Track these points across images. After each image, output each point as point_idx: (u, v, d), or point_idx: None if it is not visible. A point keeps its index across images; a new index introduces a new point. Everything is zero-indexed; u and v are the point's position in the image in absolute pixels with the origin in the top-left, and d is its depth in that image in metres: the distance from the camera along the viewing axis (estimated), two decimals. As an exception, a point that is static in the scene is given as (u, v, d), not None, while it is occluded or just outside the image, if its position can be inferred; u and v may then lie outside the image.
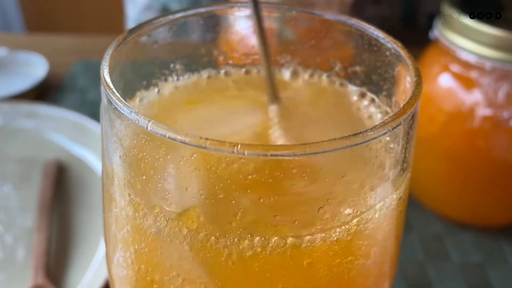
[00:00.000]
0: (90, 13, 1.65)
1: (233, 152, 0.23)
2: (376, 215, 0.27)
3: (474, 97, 0.52)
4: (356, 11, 0.67)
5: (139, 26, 0.32)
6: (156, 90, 0.35)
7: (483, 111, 0.51)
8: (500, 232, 0.57)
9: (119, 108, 0.25)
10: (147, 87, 0.34)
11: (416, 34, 0.70)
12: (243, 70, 0.37)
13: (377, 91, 0.34)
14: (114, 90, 0.26)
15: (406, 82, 0.29)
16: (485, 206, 0.56)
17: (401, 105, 0.26)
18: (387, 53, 0.31)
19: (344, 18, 0.33)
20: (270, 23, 0.35)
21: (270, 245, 0.25)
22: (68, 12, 1.68)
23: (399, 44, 0.31)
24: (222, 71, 0.37)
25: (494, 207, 0.56)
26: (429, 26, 0.57)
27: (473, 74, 0.52)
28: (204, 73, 0.36)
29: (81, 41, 0.96)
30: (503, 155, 0.52)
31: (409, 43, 0.31)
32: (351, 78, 0.35)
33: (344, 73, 0.35)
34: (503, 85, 0.51)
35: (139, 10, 0.89)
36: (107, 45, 0.29)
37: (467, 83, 0.52)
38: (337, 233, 0.26)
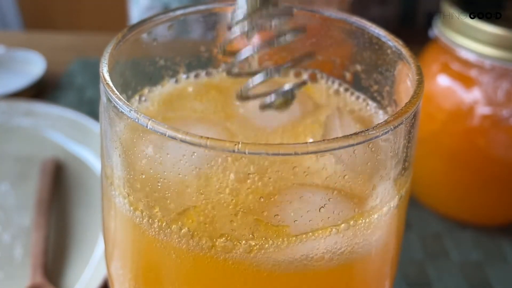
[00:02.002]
0: (88, 11, 1.65)
1: (234, 151, 0.22)
2: (378, 214, 0.26)
3: (473, 95, 0.51)
4: (355, 9, 0.67)
5: (139, 24, 0.31)
6: (156, 88, 0.35)
7: (482, 110, 0.51)
8: (499, 231, 0.57)
9: (118, 107, 0.25)
10: (146, 85, 0.34)
11: (414, 33, 0.69)
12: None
13: (378, 89, 0.33)
14: (114, 88, 0.26)
15: (408, 80, 0.29)
16: (485, 205, 0.56)
17: (403, 104, 0.25)
18: (388, 51, 0.31)
19: (345, 16, 0.33)
20: (269, 22, 0.35)
21: (270, 244, 0.25)
22: (66, 10, 1.67)
23: (400, 43, 0.30)
24: (221, 69, 0.36)
25: (494, 205, 0.56)
26: (428, 25, 0.57)
27: (473, 73, 0.51)
28: (204, 71, 0.36)
29: (79, 39, 0.96)
30: (502, 153, 0.52)
31: (407, 41, 0.31)
32: (351, 76, 0.35)
33: (344, 72, 0.35)
34: (503, 84, 0.51)
35: (142, 11, 0.89)
36: (105, 43, 0.29)
37: (467, 82, 0.52)
38: (339, 233, 0.25)
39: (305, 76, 0.36)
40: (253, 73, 0.29)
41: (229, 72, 0.29)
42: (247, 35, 0.28)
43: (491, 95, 0.51)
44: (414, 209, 0.59)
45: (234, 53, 0.29)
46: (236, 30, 0.28)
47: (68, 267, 0.51)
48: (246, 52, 0.28)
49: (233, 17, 0.28)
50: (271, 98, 0.29)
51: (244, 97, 0.29)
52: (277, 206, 0.25)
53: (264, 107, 0.29)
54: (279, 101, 0.29)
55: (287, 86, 0.28)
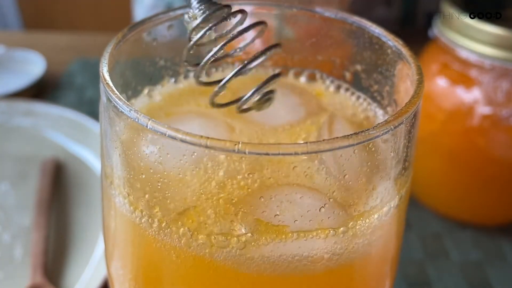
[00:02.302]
0: (88, 11, 1.65)
1: (234, 151, 0.22)
2: (378, 214, 0.26)
3: (473, 95, 0.51)
4: (356, 10, 0.67)
5: (139, 24, 0.31)
6: (156, 87, 0.35)
7: (482, 110, 0.51)
8: (499, 230, 0.57)
9: (118, 106, 0.25)
10: (146, 85, 0.34)
11: (414, 33, 0.69)
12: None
13: (378, 89, 0.33)
14: (114, 88, 0.26)
15: (408, 80, 0.29)
16: (485, 205, 0.56)
17: (403, 104, 0.25)
18: (388, 51, 0.31)
19: (345, 15, 0.33)
20: (269, 21, 0.35)
21: (270, 244, 0.25)
22: (66, 10, 1.67)
23: (400, 42, 0.30)
24: (222, 69, 0.36)
25: (494, 205, 0.56)
26: (427, 24, 0.57)
27: (473, 73, 0.51)
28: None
29: (79, 39, 0.96)
30: (502, 153, 0.52)
31: (407, 41, 0.31)
32: (351, 76, 0.35)
33: (344, 72, 0.35)
34: (503, 83, 0.51)
35: (146, 10, 0.89)
36: (105, 43, 0.29)
37: (467, 82, 0.52)
38: (338, 233, 0.25)
39: (303, 77, 0.36)
40: (221, 80, 0.28)
41: (197, 81, 0.28)
42: (205, 41, 0.27)
43: (491, 95, 0.51)
44: (414, 209, 0.59)
45: (198, 63, 0.28)
46: (194, 38, 0.27)
47: (68, 267, 0.51)
48: (206, 58, 0.27)
49: (189, 26, 0.28)
50: (244, 99, 0.27)
51: (214, 104, 0.28)
52: (277, 205, 0.25)
53: (240, 110, 0.27)
54: (256, 101, 0.27)
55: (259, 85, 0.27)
